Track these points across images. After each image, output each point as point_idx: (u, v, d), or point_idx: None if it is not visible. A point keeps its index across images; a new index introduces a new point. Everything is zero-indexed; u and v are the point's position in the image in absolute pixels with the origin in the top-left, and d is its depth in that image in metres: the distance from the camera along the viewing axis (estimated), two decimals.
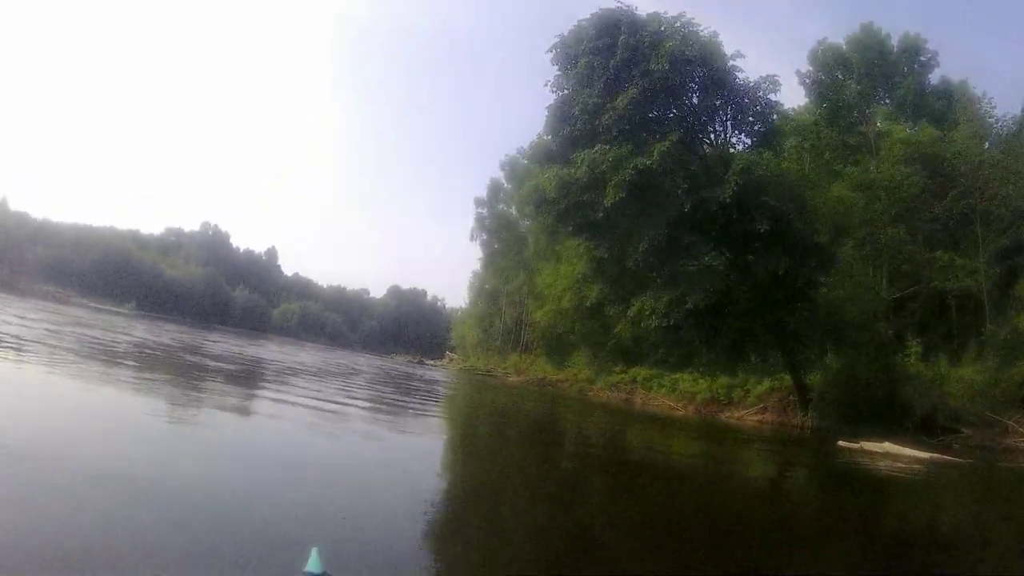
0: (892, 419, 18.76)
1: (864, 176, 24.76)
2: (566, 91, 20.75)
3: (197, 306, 78.00)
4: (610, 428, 18.06)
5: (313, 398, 13.69)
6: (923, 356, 22.86)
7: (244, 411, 10.87)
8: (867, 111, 29.89)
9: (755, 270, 19.59)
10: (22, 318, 21.97)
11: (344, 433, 10.06)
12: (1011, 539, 7.61)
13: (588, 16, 20.57)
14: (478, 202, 56.63)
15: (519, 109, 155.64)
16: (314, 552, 3.26)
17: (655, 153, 18.60)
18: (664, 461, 12.55)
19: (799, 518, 8.05)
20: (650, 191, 18.72)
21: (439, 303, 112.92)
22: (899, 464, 13.51)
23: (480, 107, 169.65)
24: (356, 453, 8.43)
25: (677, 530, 6.43)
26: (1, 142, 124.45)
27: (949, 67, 39.50)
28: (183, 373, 15.27)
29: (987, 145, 26.43)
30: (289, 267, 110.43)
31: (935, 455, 14.66)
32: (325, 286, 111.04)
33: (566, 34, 20.85)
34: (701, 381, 25.11)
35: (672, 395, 26.95)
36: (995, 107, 27.16)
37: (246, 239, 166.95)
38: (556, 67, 21.03)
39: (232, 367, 19.54)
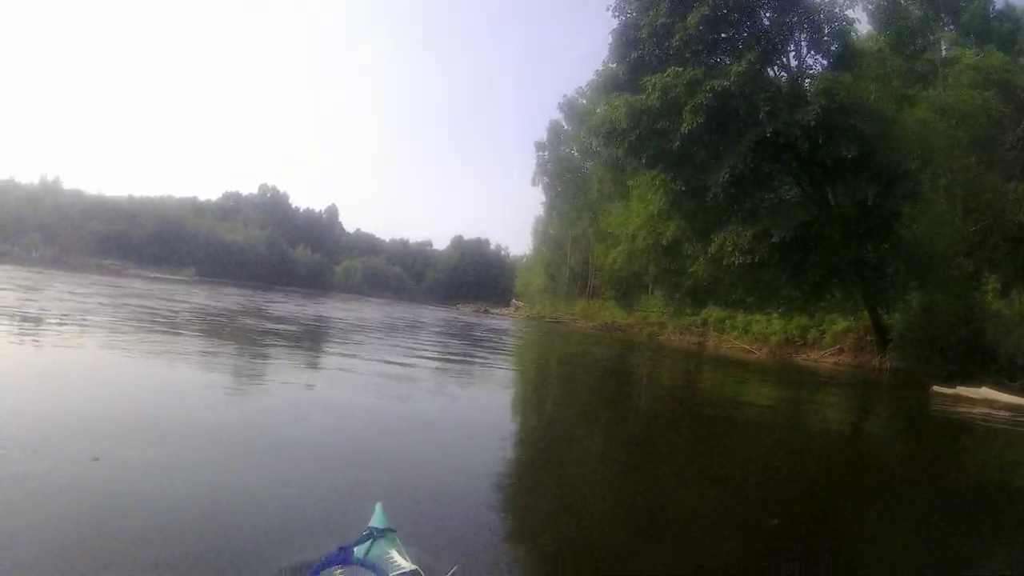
0: (975, 361, 17.47)
1: (942, 98, 23.11)
2: (630, 14, 19.26)
3: (259, 269, 75.94)
4: (683, 376, 16.97)
5: (377, 359, 12.50)
6: (1001, 293, 21.71)
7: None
8: (931, 37, 28.10)
9: (839, 200, 18.34)
10: (72, 293, 20.65)
11: (414, 392, 9.14)
12: None
13: None
14: (539, 146, 54.86)
15: (576, 49, 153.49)
16: (378, 507, 3.20)
17: (732, 74, 17.39)
18: (760, 414, 10.83)
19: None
20: (729, 116, 17.37)
21: (503, 252, 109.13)
22: (1005, 414, 11.89)
23: (544, 45, 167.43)
24: (426, 412, 7.66)
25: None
26: (55, 121, 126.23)
27: None
28: (251, 341, 14.25)
29: None
30: (351, 224, 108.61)
31: None
32: (388, 240, 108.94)
33: None
34: (775, 322, 23.87)
35: (745, 337, 25.86)
36: None
37: (307, 199, 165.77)
38: None
39: (294, 328, 18.54)
